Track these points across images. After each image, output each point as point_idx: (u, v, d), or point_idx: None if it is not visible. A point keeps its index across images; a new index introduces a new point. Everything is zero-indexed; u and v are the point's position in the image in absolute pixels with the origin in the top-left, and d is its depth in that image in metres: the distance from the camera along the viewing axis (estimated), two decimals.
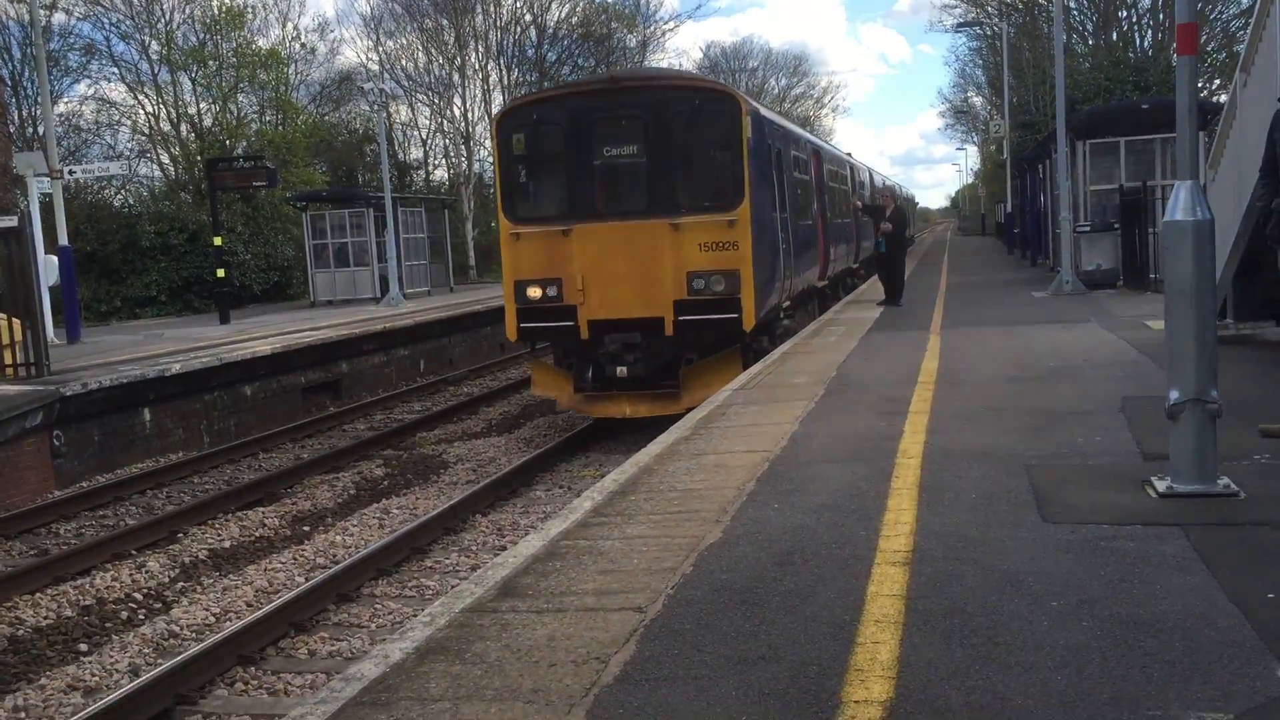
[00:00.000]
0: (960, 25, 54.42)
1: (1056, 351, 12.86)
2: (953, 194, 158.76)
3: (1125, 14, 48.88)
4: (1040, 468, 7.14)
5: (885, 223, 20.59)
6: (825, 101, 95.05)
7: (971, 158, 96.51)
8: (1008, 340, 14.30)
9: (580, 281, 14.41)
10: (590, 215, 14.56)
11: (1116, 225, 22.04)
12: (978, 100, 73.85)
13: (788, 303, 16.97)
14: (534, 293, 14.61)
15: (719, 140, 14.51)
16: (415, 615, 6.32)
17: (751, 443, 8.57)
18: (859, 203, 26.41)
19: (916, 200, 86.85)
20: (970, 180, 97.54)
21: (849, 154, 33.91)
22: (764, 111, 16.57)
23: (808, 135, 23.62)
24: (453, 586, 7.58)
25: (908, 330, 16.13)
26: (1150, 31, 47.26)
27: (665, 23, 52.54)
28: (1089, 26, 51.22)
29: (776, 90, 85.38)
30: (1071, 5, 47.69)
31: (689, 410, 10.81)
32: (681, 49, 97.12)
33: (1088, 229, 22.57)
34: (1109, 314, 16.92)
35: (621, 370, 14.35)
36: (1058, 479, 6.84)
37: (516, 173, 15.22)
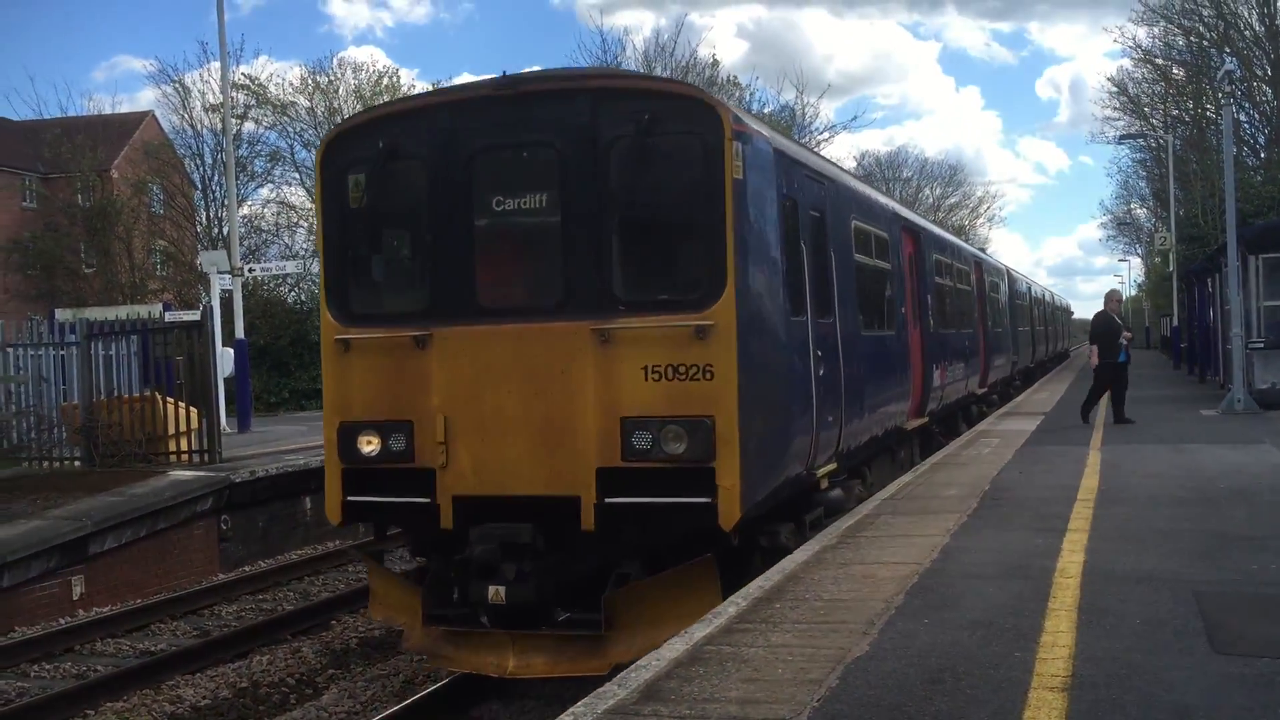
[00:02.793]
0: (1123, 137, 53.32)
1: (1228, 473, 12.25)
2: None
3: None
4: (1210, 594, 6.78)
5: (1127, 331, 18.89)
6: (981, 211, 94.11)
7: (1135, 270, 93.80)
8: (1175, 459, 13.70)
9: (441, 428, 8.47)
10: (464, 312, 8.59)
11: None
12: (1141, 212, 72.00)
13: (832, 464, 10.30)
14: (368, 445, 8.75)
15: (684, 183, 8.43)
16: (558, 715, 6.32)
17: (900, 554, 8.38)
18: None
19: (1073, 310, 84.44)
20: (1133, 293, 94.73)
21: (987, 253, 31.16)
22: (782, 142, 9.86)
23: (891, 203, 15.71)
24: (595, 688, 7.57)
25: (1067, 445, 15.60)
26: None
27: (820, 133, 52.55)
28: (1260, 140, 49.61)
29: (931, 199, 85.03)
30: (1242, 119, 46.41)
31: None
32: (836, 158, 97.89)
33: (1261, 346, 21.59)
34: None
35: (496, 592, 8.22)
36: (1229, 607, 6.49)
37: (349, 238, 9.29)
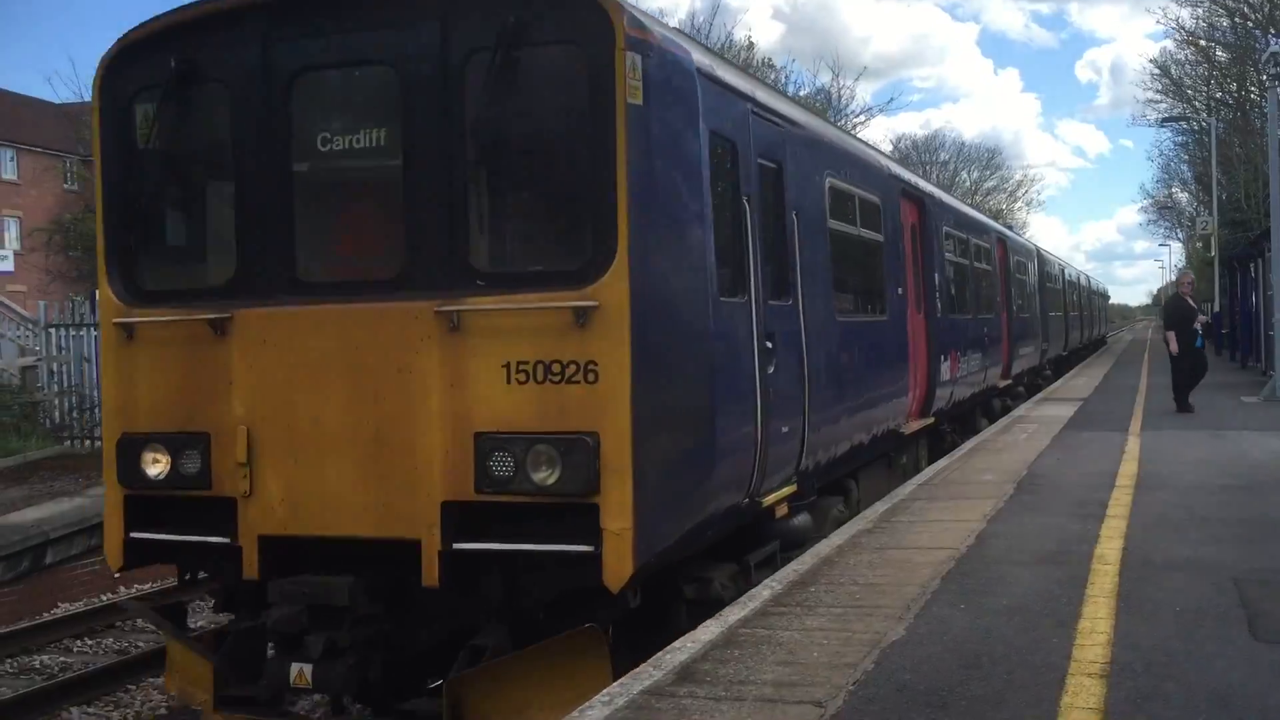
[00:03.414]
0: (1165, 120, 52.83)
1: (1269, 460, 12.10)
2: (1154, 290, 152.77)
3: None
4: (1251, 582, 6.71)
5: (1202, 315, 18.24)
6: (1019, 195, 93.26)
7: (1176, 254, 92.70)
8: (1215, 445, 13.55)
9: (244, 445, 6.48)
10: (276, 288, 6.59)
11: None
12: (1183, 196, 71.15)
13: (789, 486, 8.14)
14: (155, 464, 6.72)
15: (562, 111, 6.38)
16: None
17: (936, 539, 8.35)
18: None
19: (1109, 294, 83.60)
20: (1174, 278, 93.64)
21: (1015, 230, 29.47)
22: (712, 61, 7.55)
23: (886, 161, 13.48)
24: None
25: (1105, 430, 15.46)
26: None
27: (856, 115, 52.20)
28: None
29: (969, 183, 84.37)
30: None
31: None
32: (872, 142, 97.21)
33: None
34: None
35: (300, 672, 6.21)
36: (1271, 595, 6.42)
37: (137, 189, 7.10)
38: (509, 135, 6.33)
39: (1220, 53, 49.06)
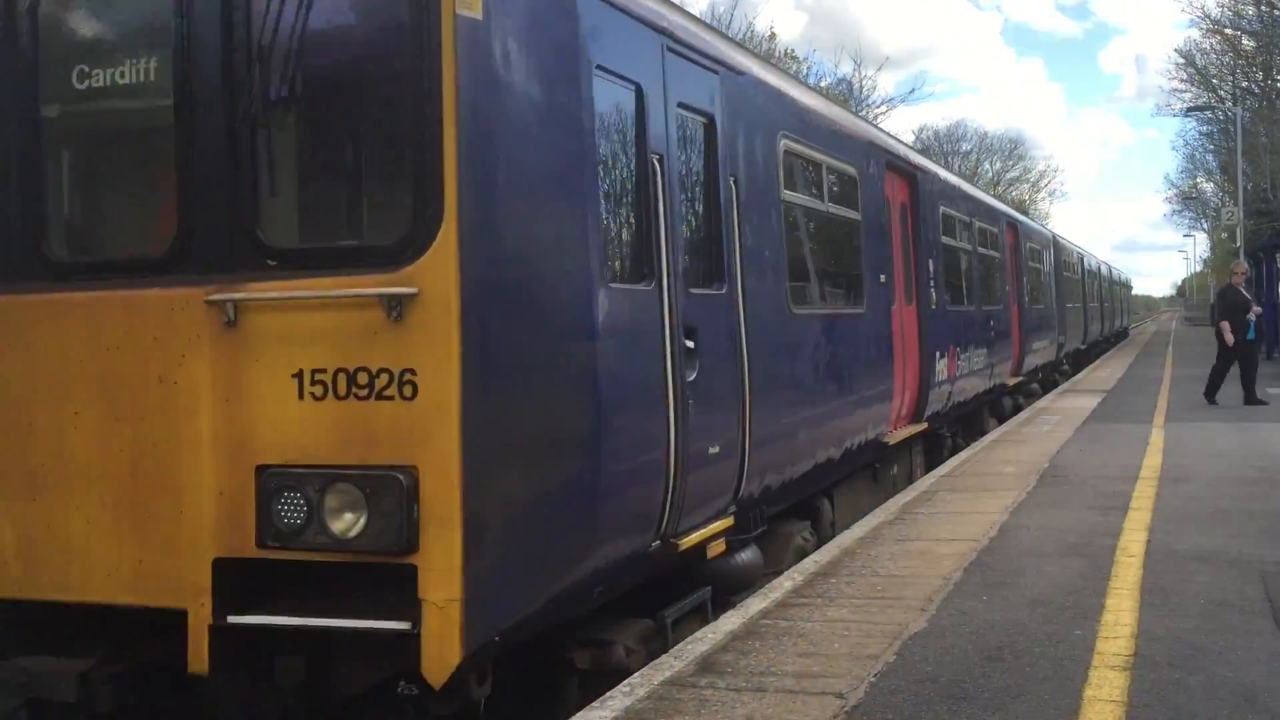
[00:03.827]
0: (1190, 109, 52.33)
1: None
2: (1179, 282, 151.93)
3: None
4: (1277, 574, 6.66)
5: (1256, 306, 17.72)
6: (1042, 185, 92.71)
7: (1200, 245, 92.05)
8: (1240, 437, 13.45)
9: None
10: (14, 270, 5.06)
11: None
12: (1208, 186, 70.59)
13: (724, 520, 6.63)
14: None
15: (373, 32, 4.82)
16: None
17: (958, 531, 8.32)
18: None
19: (1132, 285, 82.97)
20: (1199, 268, 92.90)
21: (1030, 216, 27.91)
22: None
23: (866, 126, 11.89)
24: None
25: (1128, 422, 15.37)
26: None
27: (878, 106, 52.05)
28: None
29: (991, 173, 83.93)
30: None
31: None
32: (894, 133, 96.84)
33: None
34: None
35: None
36: None
37: None
38: (309, 64, 4.76)
39: (1246, 41, 48.62)
